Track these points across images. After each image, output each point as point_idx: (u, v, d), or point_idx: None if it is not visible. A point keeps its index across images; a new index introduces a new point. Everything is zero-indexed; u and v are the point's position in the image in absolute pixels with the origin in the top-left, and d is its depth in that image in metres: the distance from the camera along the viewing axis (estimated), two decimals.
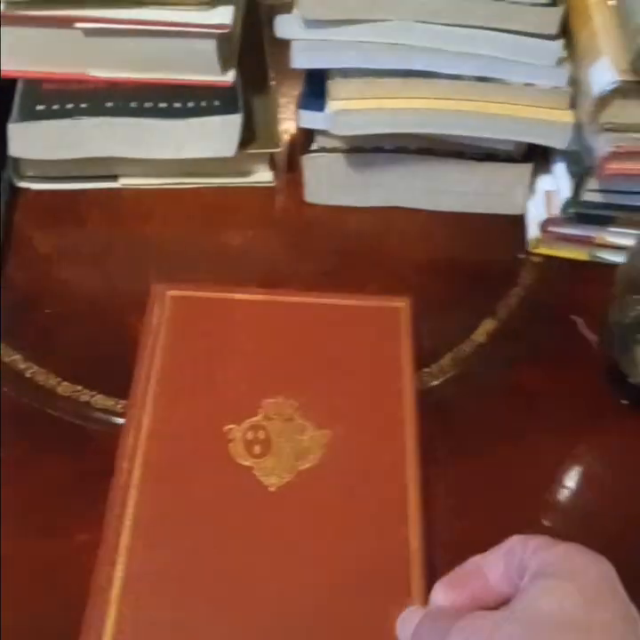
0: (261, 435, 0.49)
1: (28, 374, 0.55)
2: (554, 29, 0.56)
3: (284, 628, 0.43)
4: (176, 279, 0.58)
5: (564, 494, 0.52)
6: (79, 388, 0.55)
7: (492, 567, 0.39)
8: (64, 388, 0.55)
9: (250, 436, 0.49)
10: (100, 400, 0.54)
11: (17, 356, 0.56)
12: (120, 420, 0.53)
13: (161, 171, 0.66)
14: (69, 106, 0.62)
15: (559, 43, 0.56)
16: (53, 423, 0.53)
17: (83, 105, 0.62)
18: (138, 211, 0.65)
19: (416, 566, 0.44)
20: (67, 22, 0.59)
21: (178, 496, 0.47)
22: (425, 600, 0.42)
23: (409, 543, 0.45)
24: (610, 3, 0.56)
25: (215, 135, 0.63)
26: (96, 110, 0.62)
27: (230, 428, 0.49)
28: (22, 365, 0.56)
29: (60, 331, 0.58)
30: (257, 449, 0.48)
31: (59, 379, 0.55)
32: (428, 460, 0.50)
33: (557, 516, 0.51)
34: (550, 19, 0.55)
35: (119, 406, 0.54)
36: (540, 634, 0.33)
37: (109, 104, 0.63)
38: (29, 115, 0.62)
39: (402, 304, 0.56)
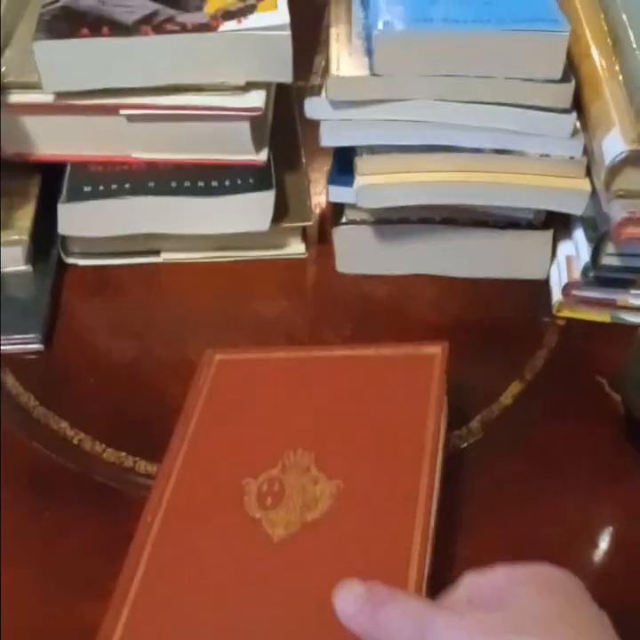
0: (276, 487, 0.48)
1: (75, 441, 0.57)
2: (567, 104, 0.58)
3: None
4: (215, 347, 0.61)
5: (589, 554, 0.52)
6: (123, 454, 0.57)
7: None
8: (108, 455, 0.57)
9: (265, 488, 0.49)
10: (142, 465, 0.56)
11: (65, 424, 0.58)
12: None
13: (200, 245, 0.69)
14: (114, 186, 0.66)
15: (572, 116, 0.59)
16: (99, 488, 0.55)
17: (126, 185, 0.66)
18: (176, 283, 0.68)
19: None
20: (111, 110, 0.62)
21: (189, 550, 0.47)
22: None
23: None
24: (619, 78, 0.58)
25: (250, 211, 0.66)
26: (139, 190, 0.66)
27: (247, 482, 0.49)
28: (70, 432, 0.58)
29: (105, 399, 0.60)
30: (269, 501, 0.48)
31: (103, 445, 0.57)
32: (453, 521, 0.50)
33: (582, 576, 0.51)
34: (563, 94, 0.58)
35: None
36: (533, 625, 0.34)
37: (151, 184, 0.66)
38: (77, 195, 0.65)
39: (436, 350, 0.54)
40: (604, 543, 0.53)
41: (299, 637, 0.43)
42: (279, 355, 0.57)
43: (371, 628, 0.37)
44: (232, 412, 0.54)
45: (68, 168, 0.67)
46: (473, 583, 0.38)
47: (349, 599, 0.38)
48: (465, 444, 0.57)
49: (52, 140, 0.65)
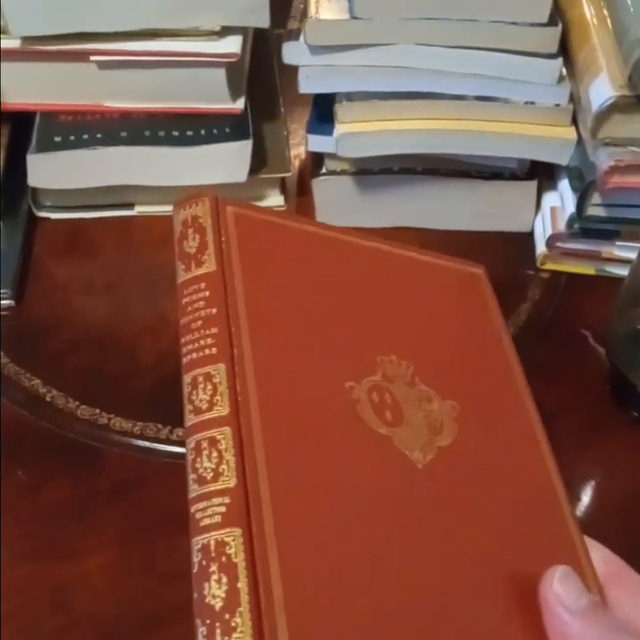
0: (388, 398, 0.38)
1: (47, 398, 0.56)
2: (553, 49, 0.57)
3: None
4: None
5: (574, 507, 0.52)
6: (97, 411, 0.56)
7: None
8: (82, 412, 0.56)
9: (375, 398, 0.38)
10: (117, 422, 0.55)
11: (37, 381, 0.57)
12: (138, 442, 0.54)
13: (175, 197, 0.67)
14: (85, 136, 0.64)
15: (558, 61, 0.57)
16: (65, 447, 0.54)
17: (98, 135, 0.64)
18: (151, 237, 0.67)
19: (580, 547, 0.38)
20: (81, 56, 0.60)
21: (313, 474, 0.34)
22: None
23: (567, 525, 0.38)
24: (608, 22, 0.57)
25: (226, 161, 0.64)
26: (111, 140, 0.64)
27: (351, 386, 0.37)
28: (42, 389, 0.57)
29: (78, 356, 0.59)
30: (388, 415, 0.37)
31: (77, 402, 0.56)
32: None
33: None
34: (549, 38, 0.56)
35: (136, 428, 0.54)
36: None
37: (124, 133, 0.64)
38: (47, 146, 0.64)
39: (479, 270, 0.48)
40: (585, 495, 0.53)
41: (469, 573, 0.35)
42: (305, 227, 0.44)
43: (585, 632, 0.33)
44: (285, 291, 0.40)
45: (38, 117, 0.65)
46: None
47: (573, 592, 0.34)
48: None
49: (19, 88, 0.63)
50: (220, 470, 0.32)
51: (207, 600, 0.29)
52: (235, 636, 0.28)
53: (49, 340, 0.60)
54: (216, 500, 0.31)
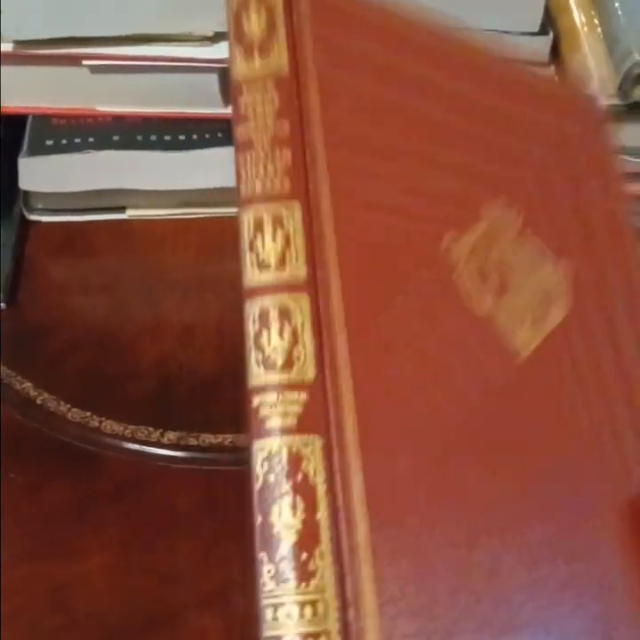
0: (493, 259, 0.30)
1: (38, 401, 0.56)
2: (545, 57, 0.57)
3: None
4: (186, 306, 0.59)
5: None
6: (88, 414, 0.56)
7: None
8: (74, 415, 0.56)
9: (478, 258, 0.30)
10: (109, 426, 0.55)
11: (28, 384, 0.57)
12: (130, 445, 0.54)
13: (167, 201, 0.67)
14: (77, 140, 0.64)
15: (550, 70, 0.58)
16: (64, 449, 0.54)
17: (90, 139, 0.64)
18: (146, 240, 0.66)
19: None
20: (74, 60, 0.60)
21: (395, 369, 0.28)
22: None
23: None
24: (598, 31, 0.57)
25: (219, 166, 0.64)
26: (103, 144, 0.64)
27: (449, 246, 0.30)
28: (33, 393, 0.57)
29: (71, 359, 0.59)
30: (492, 283, 0.30)
31: (68, 405, 0.56)
32: None
33: None
34: (540, 47, 0.57)
35: (128, 431, 0.54)
36: None
37: (116, 137, 0.64)
38: (39, 149, 0.64)
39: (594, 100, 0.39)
40: None
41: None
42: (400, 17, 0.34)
43: None
44: (373, 104, 0.31)
45: (30, 120, 0.65)
46: None
47: None
48: None
49: (11, 91, 0.62)
50: (296, 355, 0.25)
51: (276, 530, 0.23)
52: (313, 583, 0.22)
53: (41, 342, 0.60)
54: (289, 395, 0.24)
